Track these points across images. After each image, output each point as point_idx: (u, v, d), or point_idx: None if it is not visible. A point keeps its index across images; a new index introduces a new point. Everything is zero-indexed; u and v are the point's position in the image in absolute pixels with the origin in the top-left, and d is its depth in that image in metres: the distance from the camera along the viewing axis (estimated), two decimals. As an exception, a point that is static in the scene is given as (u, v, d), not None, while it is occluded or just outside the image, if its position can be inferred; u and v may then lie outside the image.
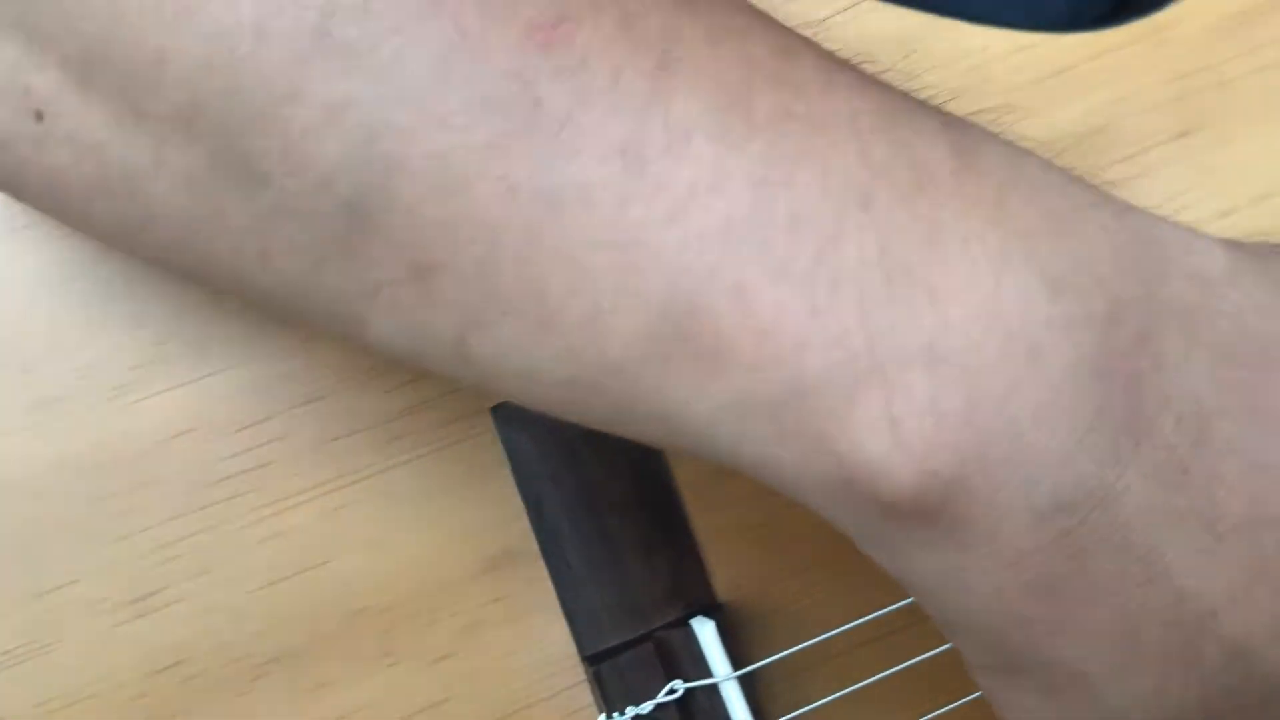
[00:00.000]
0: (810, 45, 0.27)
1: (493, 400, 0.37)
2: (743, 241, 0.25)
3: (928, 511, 0.25)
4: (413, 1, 0.25)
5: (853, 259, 0.25)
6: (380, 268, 0.26)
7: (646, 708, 0.38)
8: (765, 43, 0.26)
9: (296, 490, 0.37)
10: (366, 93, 0.25)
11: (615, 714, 0.38)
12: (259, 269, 0.28)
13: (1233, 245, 0.28)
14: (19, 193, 0.29)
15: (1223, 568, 0.26)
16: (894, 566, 0.28)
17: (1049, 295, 0.25)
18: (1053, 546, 0.26)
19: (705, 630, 0.38)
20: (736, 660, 0.38)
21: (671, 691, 0.38)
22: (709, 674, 0.38)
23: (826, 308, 0.25)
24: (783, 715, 0.40)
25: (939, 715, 0.40)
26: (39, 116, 0.27)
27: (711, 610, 0.39)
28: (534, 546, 0.38)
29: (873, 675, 0.40)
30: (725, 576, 0.39)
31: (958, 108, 0.29)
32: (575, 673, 0.38)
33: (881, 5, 0.36)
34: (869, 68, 0.28)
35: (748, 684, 0.38)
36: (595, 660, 0.38)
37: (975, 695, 0.38)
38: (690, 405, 0.26)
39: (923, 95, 0.28)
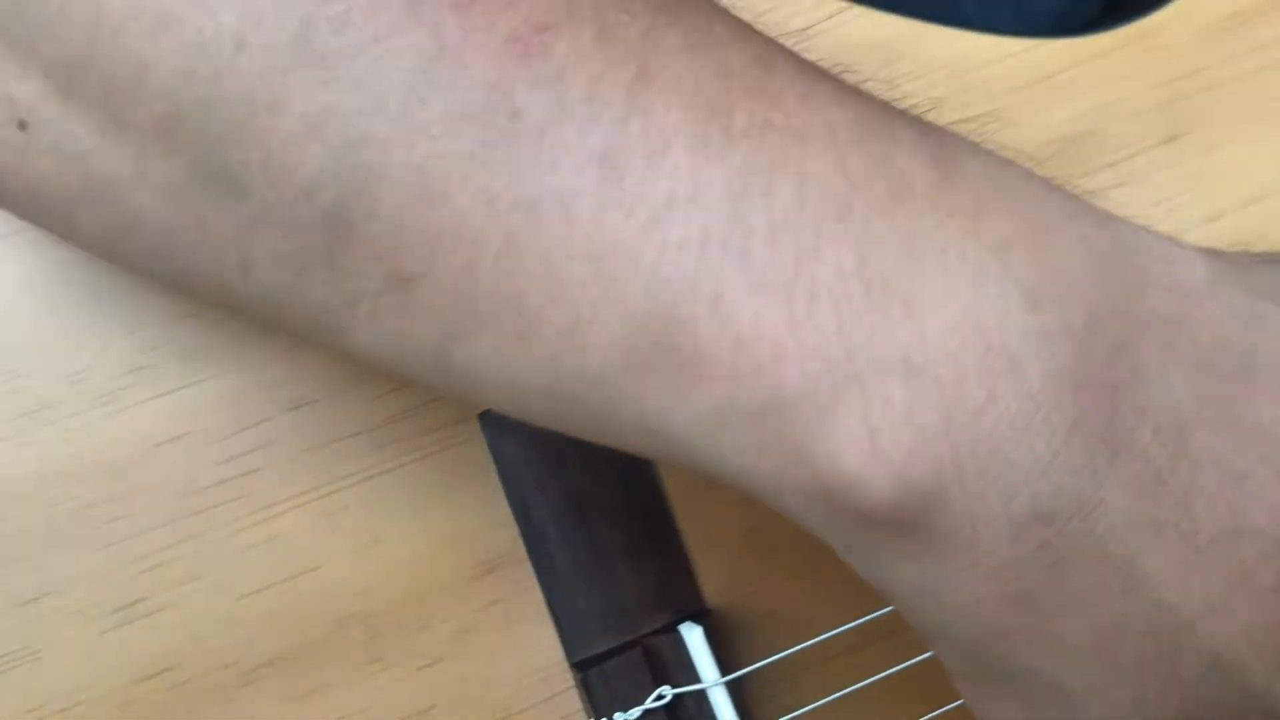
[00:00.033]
0: (789, 56, 0.27)
1: (480, 407, 0.37)
2: (721, 252, 0.25)
3: (906, 522, 0.25)
4: (392, 12, 0.25)
5: (830, 270, 0.25)
6: (360, 277, 0.26)
7: (635, 713, 0.38)
8: (744, 53, 0.26)
9: (285, 496, 0.37)
10: (346, 103, 0.25)
11: (603, 720, 0.38)
12: (240, 278, 0.28)
13: (1213, 255, 0.28)
14: (2, 200, 0.29)
15: (1201, 578, 0.26)
16: (874, 576, 0.28)
17: (1026, 306, 0.25)
18: (1030, 557, 0.26)
19: (693, 636, 0.38)
20: (724, 666, 0.38)
21: (660, 697, 0.38)
22: (697, 680, 0.38)
23: (804, 319, 0.25)
24: (771, 721, 0.40)
25: (926, 721, 0.40)
26: (22, 126, 0.27)
27: (700, 616, 0.39)
28: (523, 552, 0.38)
29: (861, 680, 0.40)
30: (713, 582, 0.39)
31: (943, 115, 0.29)
32: (564, 678, 0.39)
33: (865, 12, 0.36)
34: (850, 77, 0.28)
35: (736, 689, 0.38)
36: (583, 666, 0.38)
37: (961, 702, 0.38)
38: (670, 415, 0.26)
39: (904, 104, 0.28)
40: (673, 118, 0.25)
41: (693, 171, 0.25)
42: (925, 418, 0.25)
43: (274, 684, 0.37)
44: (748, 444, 0.26)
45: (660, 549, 0.39)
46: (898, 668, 0.39)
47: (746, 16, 0.28)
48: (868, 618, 0.39)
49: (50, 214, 0.29)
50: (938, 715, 0.40)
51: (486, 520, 0.38)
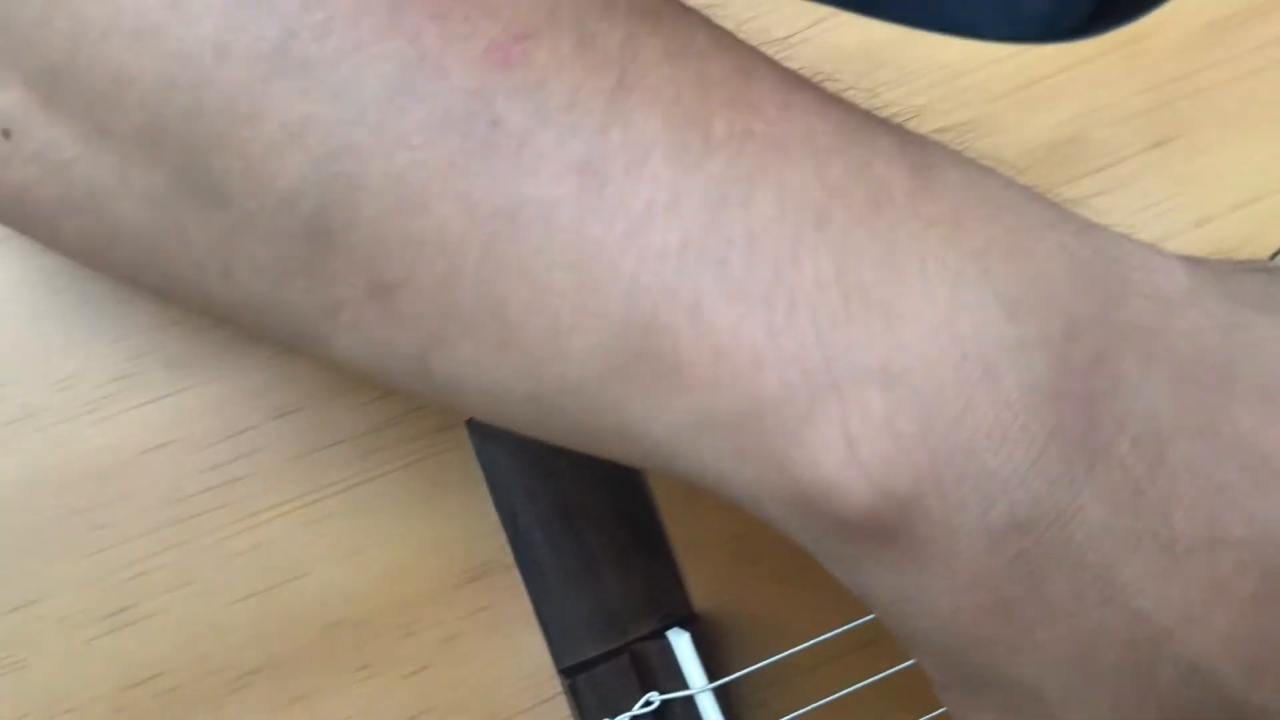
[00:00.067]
0: (770, 64, 0.27)
1: (464, 415, 0.37)
2: (700, 261, 0.25)
3: (884, 530, 0.25)
4: (372, 21, 0.25)
5: (809, 279, 0.25)
6: (341, 285, 0.27)
7: (623, 719, 0.38)
8: (724, 62, 0.26)
9: (271, 504, 0.37)
10: (326, 112, 0.25)
11: (591, 726, 0.38)
12: (222, 286, 0.28)
13: (1194, 263, 0.28)
14: (-13, 209, 0.29)
15: (1179, 588, 0.26)
16: (855, 584, 0.28)
17: (1005, 315, 0.25)
18: (1009, 567, 0.26)
19: (681, 642, 0.38)
20: (712, 672, 0.38)
21: (648, 703, 0.38)
22: (685, 686, 0.38)
23: (783, 327, 0.25)
24: (759, 726, 0.40)
25: (914, 726, 0.40)
26: (6, 134, 0.27)
27: (687, 622, 0.39)
28: (510, 559, 0.38)
29: (848, 686, 0.40)
30: (701, 588, 0.39)
31: (928, 121, 0.29)
32: (552, 685, 0.38)
33: (850, 19, 0.36)
34: (831, 85, 0.28)
35: (723, 696, 0.38)
36: (571, 672, 0.38)
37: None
38: (650, 423, 0.26)
39: (886, 112, 0.28)
40: (652, 127, 0.25)
41: (672, 181, 0.25)
42: (903, 426, 0.25)
43: (262, 691, 0.37)
44: (727, 451, 0.26)
45: (648, 555, 0.39)
46: (885, 674, 0.39)
47: (729, 25, 0.28)
48: (855, 624, 0.39)
49: (34, 222, 0.29)
50: (924, 722, 0.40)
51: (473, 527, 0.38)
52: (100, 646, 0.36)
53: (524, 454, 0.38)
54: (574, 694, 0.38)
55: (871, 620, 0.39)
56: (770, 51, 0.28)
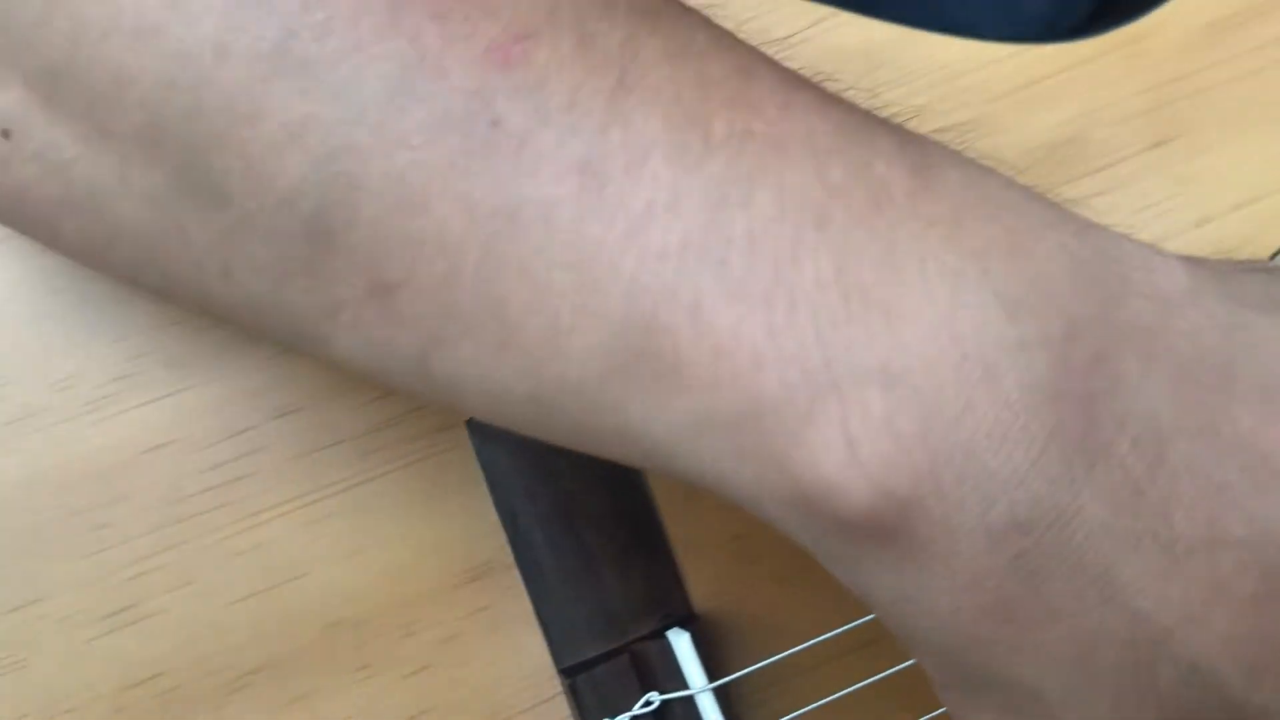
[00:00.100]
0: (770, 64, 0.27)
1: (464, 415, 0.37)
2: (701, 261, 0.25)
3: (884, 530, 0.25)
4: (372, 21, 0.25)
5: (809, 279, 0.25)
6: (342, 285, 0.27)
7: (623, 719, 0.38)
8: (724, 62, 0.26)
9: (274, 503, 0.37)
10: (326, 112, 0.25)
11: (591, 726, 0.38)
12: (222, 286, 0.28)
13: (1194, 263, 0.28)
14: (-11, 209, 0.29)
15: (1179, 588, 0.26)
16: (855, 583, 0.28)
17: (1004, 316, 0.25)
18: (1009, 567, 0.26)
19: (681, 642, 0.38)
20: (712, 672, 0.38)
21: (647, 703, 0.38)
22: (685, 686, 0.38)
23: (783, 327, 0.25)
24: (760, 726, 0.40)
25: (915, 726, 0.40)
26: (6, 135, 0.27)
27: (687, 622, 0.39)
28: (510, 559, 0.38)
29: (848, 686, 0.40)
30: (701, 588, 0.39)
31: (928, 121, 0.29)
32: (552, 685, 0.39)
33: (850, 19, 0.36)
34: (831, 85, 0.28)
35: (723, 696, 0.38)
36: (571, 672, 0.38)
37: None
38: (650, 423, 0.26)
39: (886, 112, 0.28)
40: (652, 127, 0.25)
41: (672, 180, 0.25)
42: (903, 426, 0.25)
43: (262, 691, 0.37)
44: (727, 451, 0.26)
45: (648, 555, 0.39)
46: (885, 673, 0.39)
47: (729, 25, 0.28)
48: (855, 623, 0.39)
49: (35, 222, 0.29)
50: (925, 721, 0.40)
51: (473, 527, 0.38)
52: (100, 646, 0.36)
53: (524, 454, 0.38)
54: (574, 694, 0.38)
55: (872, 620, 0.39)
56: (770, 51, 0.28)
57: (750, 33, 0.28)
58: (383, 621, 0.37)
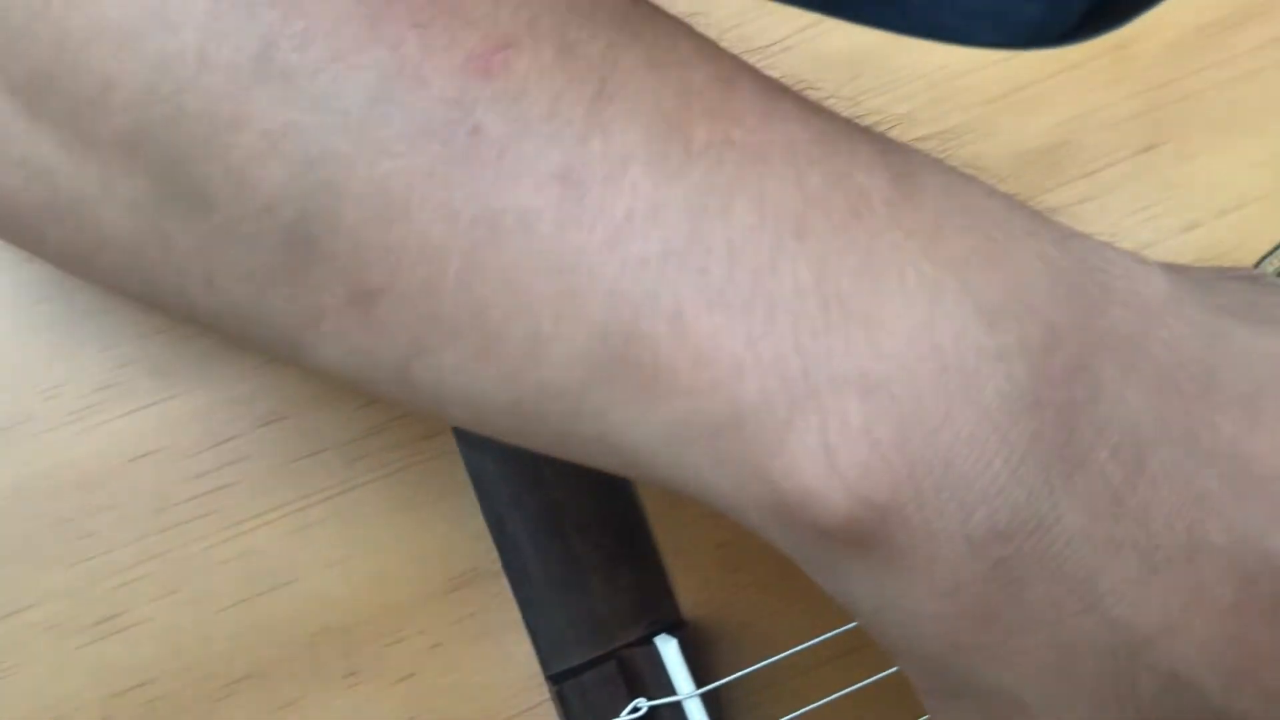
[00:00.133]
0: (752, 73, 0.27)
1: (448, 422, 0.37)
2: (681, 269, 0.25)
3: (863, 538, 0.25)
4: (353, 29, 0.25)
5: (789, 288, 0.25)
6: (323, 293, 0.27)
7: (610, 726, 0.38)
8: (705, 71, 0.26)
9: (260, 511, 0.37)
10: (307, 120, 0.25)
11: (579, 733, 0.38)
12: (205, 294, 0.28)
13: (1176, 271, 0.28)
14: (-27, 217, 0.29)
15: (1158, 597, 0.26)
16: (836, 591, 0.28)
17: (983, 325, 0.25)
18: (988, 575, 0.26)
19: (668, 648, 0.38)
20: (700, 678, 0.38)
21: (635, 710, 0.38)
22: (672, 692, 0.38)
23: (762, 335, 0.25)
24: (747, 733, 0.40)
25: (901, 732, 0.40)
26: (-11, 142, 0.27)
27: (675, 628, 0.39)
28: (498, 566, 0.38)
29: (835, 692, 0.40)
30: (689, 594, 0.39)
31: (917, 127, 0.29)
32: (540, 691, 0.38)
33: (836, 27, 0.36)
34: (813, 94, 0.28)
35: (711, 701, 0.38)
36: (559, 679, 0.38)
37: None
38: (630, 430, 0.26)
39: (869, 120, 0.28)
40: (632, 136, 0.25)
41: (652, 189, 0.25)
42: (882, 434, 0.25)
43: (250, 698, 0.37)
44: (707, 459, 0.26)
45: (635, 561, 0.39)
46: (872, 679, 0.39)
47: (711, 33, 0.28)
48: (842, 629, 0.39)
49: (20, 229, 0.29)
50: (911, 727, 0.40)
51: (461, 534, 0.38)
52: (87, 654, 0.36)
53: (511, 460, 0.38)
54: (562, 700, 0.38)
55: (859, 626, 0.39)
56: (753, 60, 0.28)
57: (733, 41, 0.28)
58: (370, 629, 0.37)
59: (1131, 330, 0.26)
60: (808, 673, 0.40)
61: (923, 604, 0.26)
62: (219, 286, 0.27)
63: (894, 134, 0.28)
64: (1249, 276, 0.30)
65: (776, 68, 0.28)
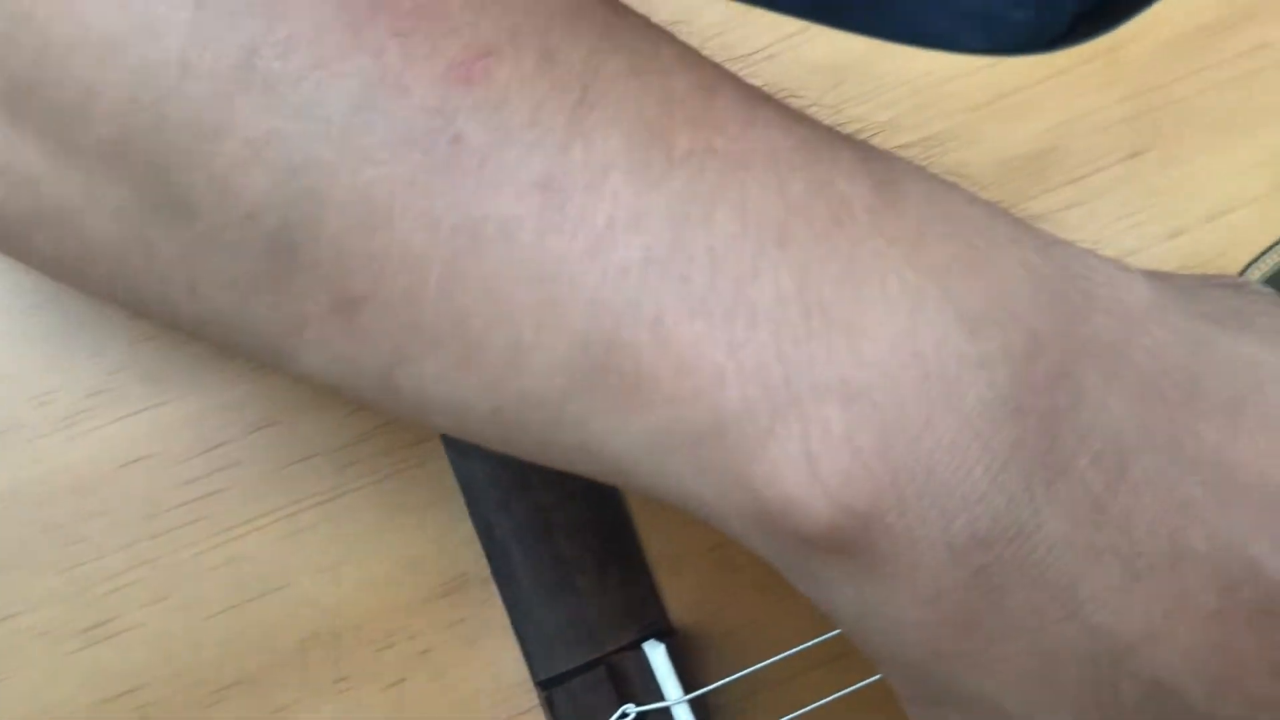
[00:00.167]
0: (734, 81, 0.27)
1: (432, 430, 0.37)
2: (662, 277, 0.25)
3: (845, 546, 0.26)
4: (335, 38, 0.25)
5: (770, 295, 0.25)
6: (306, 301, 0.27)
7: (599, 731, 0.38)
8: (687, 79, 0.26)
9: (250, 516, 0.37)
10: (290, 128, 0.25)
11: (568, 738, 0.38)
12: (188, 302, 0.28)
13: (1159, 278, 0.28)
14: (-40, 226, 0.29)
15: (1140, 604, 0.26)
16: (819, 598, 0.28)
17: (965, 332, 0.25)
18: (970, 582, 0.26)
19: (657, 654, 0.38)
20: (689, 684, 0.38)
21: (624, 715, 0.38)
22: (661, 698, 0.38)
23: (744, 343, 0.25)
24: (737, 738, 0.40)
25: (891, 737, 0.40)
26: (-27, 151, 0.27)
27: (663, 634, 0.39)
28: (487, 571, 0.38)
29: (824, 697, 0.40)
30: (677, 600, 0.39)
31: (902, 134, 0.29)
32: (529, 697, 0.39)
33: (820, 34, 0.36)
34: (796, 101, 0.28)
35: (700, 707, 0.38)
36: (548, 685, 0.38)
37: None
38: (612, 438, 0.26)
39: (851, 127, 0.28)
40: (614, 144, 0.25)
41: (633, 197, 0.25)
42: (863, 442, 0.25)
43: (240, 704, 0.37)
44: (689, 467, 0.26)
45: (624, 567, 0.39)
46: (860, 684, 0.39)
47: (693, 41, 0.28)
48: (830, 635, 0.39)
49: (8, 238, 0.29)
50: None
51: (450, 540, 0.38)
52: (78, 660, 0.36)
53: (500, 467, 0.38)
54: (550, 706, 0.38)
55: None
56: (735, 68, 0.28)
57: (715, 49, 0.28)
58: (360, 634, 0.37)
59: (1114, 337, 0.26)
60: (796, 678, 0.40)
61: (904, 611, 0.26)
62: (202, 294, 0.27)
63: (876, 141, 0.28)
64: (1233, 284, 0.30)
65: (759, 76, 0.28)
